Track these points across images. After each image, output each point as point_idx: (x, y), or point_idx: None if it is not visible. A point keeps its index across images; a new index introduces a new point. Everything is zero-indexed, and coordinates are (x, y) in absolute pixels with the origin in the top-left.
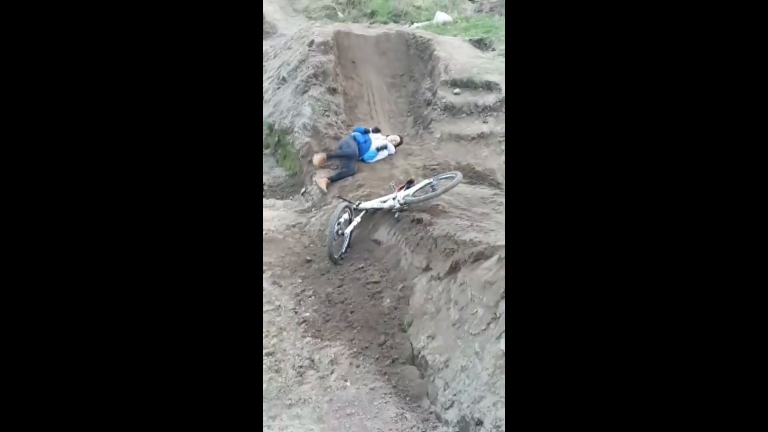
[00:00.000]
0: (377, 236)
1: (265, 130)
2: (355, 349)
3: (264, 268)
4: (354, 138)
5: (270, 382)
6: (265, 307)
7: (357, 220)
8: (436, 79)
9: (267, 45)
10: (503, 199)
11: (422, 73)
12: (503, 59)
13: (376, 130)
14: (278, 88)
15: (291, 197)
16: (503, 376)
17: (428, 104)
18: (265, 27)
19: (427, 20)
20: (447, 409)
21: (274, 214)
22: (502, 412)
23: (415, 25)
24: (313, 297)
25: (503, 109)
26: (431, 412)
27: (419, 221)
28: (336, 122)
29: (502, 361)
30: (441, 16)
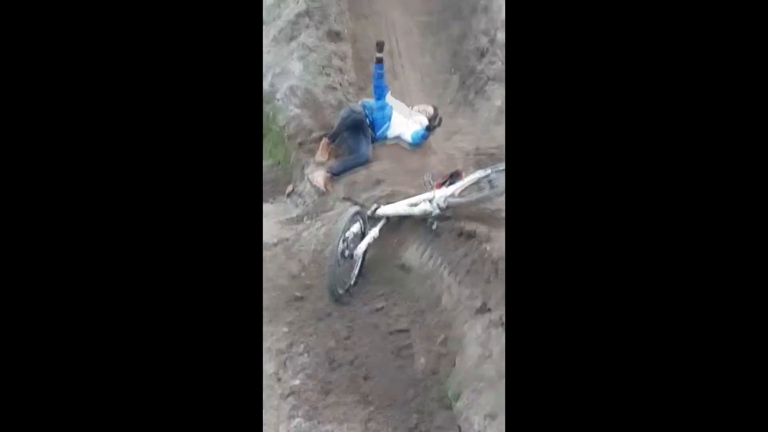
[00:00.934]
0: (405, 259)
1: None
2: None
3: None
4: (364, 106)
5: None
6: None
7: (374, 233)
8: (496, 16)
9: None
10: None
11: (473, 8)
12: None
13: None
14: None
15: (272, 199)
16: None
17: (483, 55)
18: None
19: None
20: None
21: None
22: None
23: None
24: (305, 355)
25: None
26: None
27: (470, 235)
28: (342, 83)
29: None
30: None
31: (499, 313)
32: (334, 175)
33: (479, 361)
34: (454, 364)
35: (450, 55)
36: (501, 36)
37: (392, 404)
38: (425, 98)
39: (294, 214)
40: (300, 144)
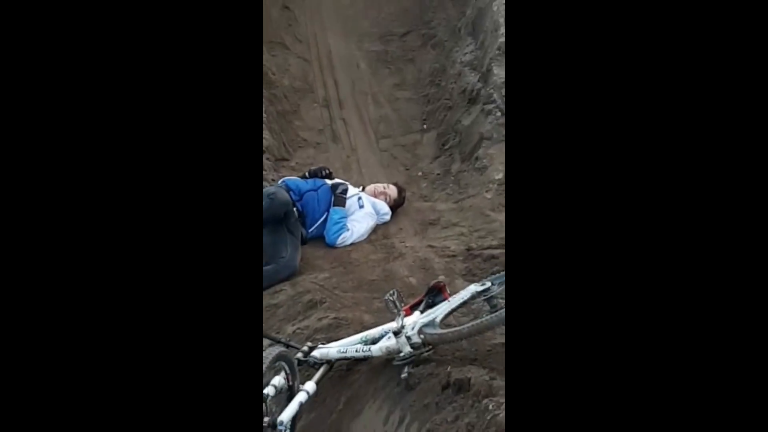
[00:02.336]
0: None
1: None
2: None
3: None
4: (288, 187)
5: None
6: None
7: (307, 389)
8: (490, 39)
9: None
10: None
11: (454, 26)
12: None
13: (328, 176)
14: None
15: None
16: None
17: (472, 100)
18: None
19: None
20: None
21: None
22: None
23: None
24: None
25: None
26: None
27: (461, 387)
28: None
29: None
30: None
31: None
32: None
33: None
34: None
35: (420, 103)
36: (500, 71)
37: None
38: (383, 172)
39: None
40: None
